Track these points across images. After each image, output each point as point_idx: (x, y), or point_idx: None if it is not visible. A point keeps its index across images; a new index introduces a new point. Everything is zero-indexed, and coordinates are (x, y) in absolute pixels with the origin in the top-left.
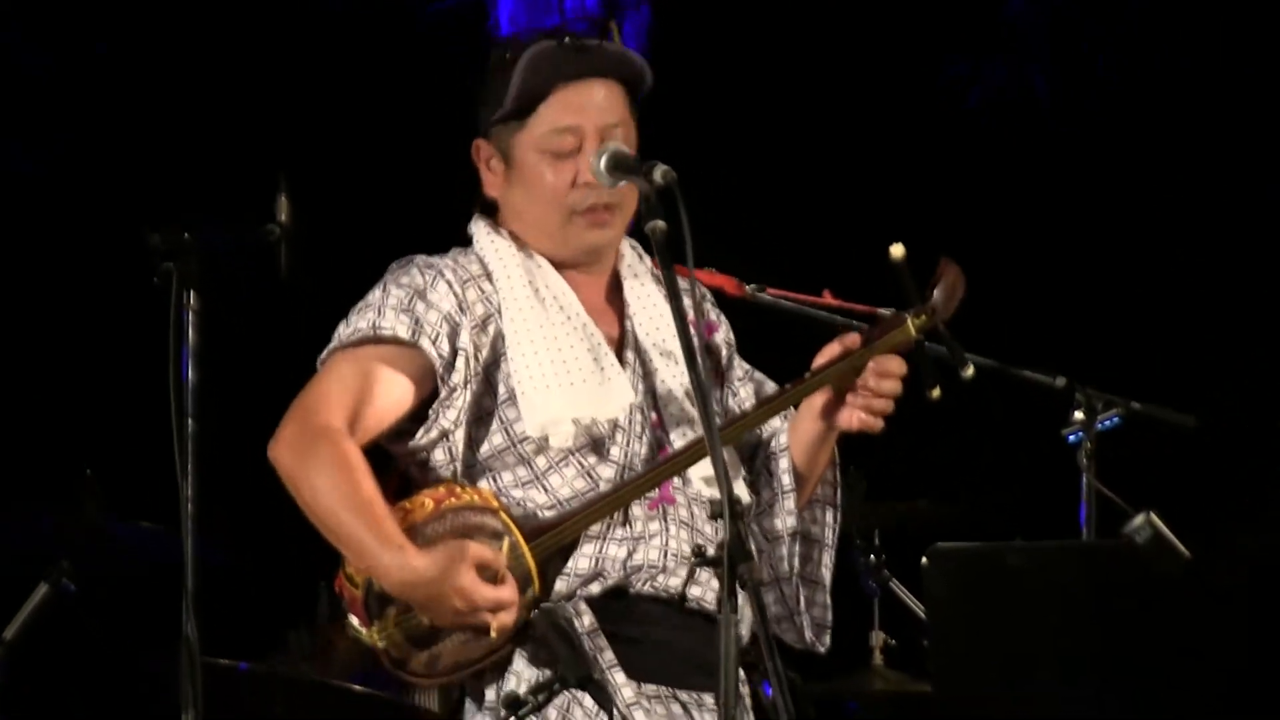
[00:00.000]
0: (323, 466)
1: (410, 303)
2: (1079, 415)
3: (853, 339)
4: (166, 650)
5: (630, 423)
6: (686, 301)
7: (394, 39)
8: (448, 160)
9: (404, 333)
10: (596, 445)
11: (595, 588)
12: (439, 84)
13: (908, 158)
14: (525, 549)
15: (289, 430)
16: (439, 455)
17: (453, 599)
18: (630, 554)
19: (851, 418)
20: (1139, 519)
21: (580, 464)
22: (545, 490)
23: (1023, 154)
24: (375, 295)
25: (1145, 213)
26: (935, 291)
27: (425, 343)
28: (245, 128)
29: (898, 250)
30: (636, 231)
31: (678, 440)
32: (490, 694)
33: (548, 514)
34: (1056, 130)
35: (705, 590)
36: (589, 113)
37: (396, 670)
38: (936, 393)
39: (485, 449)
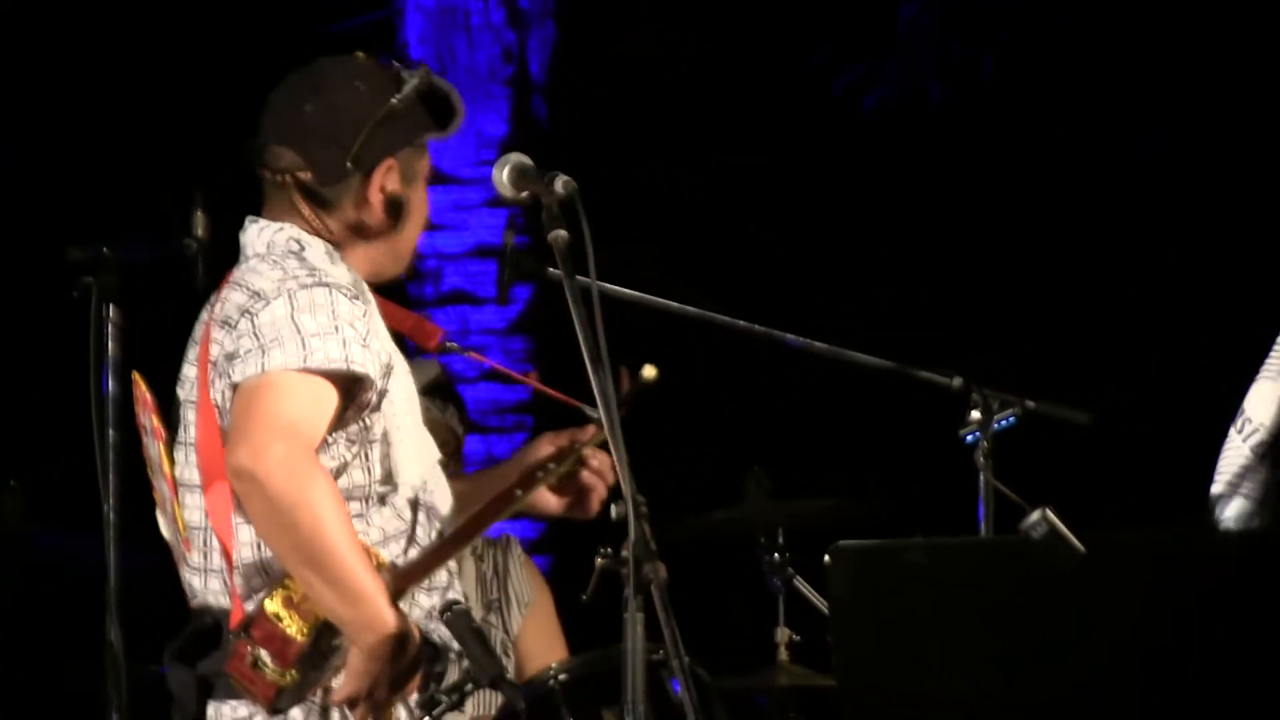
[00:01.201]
0: (327, 501)
1: (366, 338)
2: (975, 415)
3: (560, 440)
4: (91, 655)
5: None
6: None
7: (302, 58)
8: None
9: (372, 373)
10: (414, 491)
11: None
12: None
13: (805, 161)
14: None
15: (280, 450)
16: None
17: (397, 676)
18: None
19: (593, 507)
20: (1035, 515)
21: (395, 508)
22: (373, 527)
23: (917, 157)
24: (325, 317)
25: (1037, 213)
26: (623, 405)
27: (374, 377)
28: (162, 147)
29: (650, 372)
30: (539, 240)
31: (439, 487)
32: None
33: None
34: (949, 133)
35: None
36: None
37: (270, 702)
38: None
39: (345, 483)
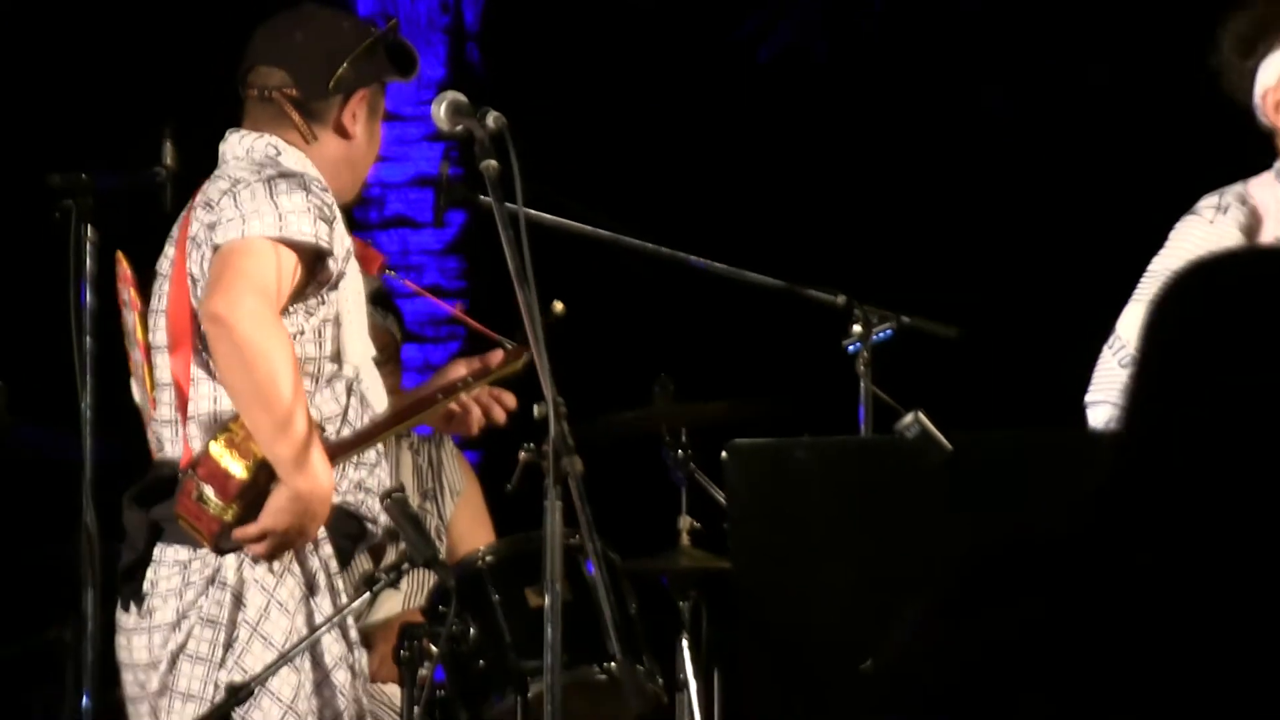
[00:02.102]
0: (284, 353)
1: (332, 223)
2: (857, 329)
3: (470, 364)
4: (68, 535)
5: (368, 361)
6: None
7: (262, 6)
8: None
9: (326, 244)
10: (352, 377)
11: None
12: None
13: (711, 105)
14: None
15: (250, 302)
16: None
17: (308, 526)
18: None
19: (470, 427)
20: (909, 417)
21: (333, 389)
22: (313, 405)
23: (807, 103)
24: (300, 199)
25: (917, 152)
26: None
27: (336, 256)
28: (134, 84)
29: (559, 307)
30: (472, 170)
31: (372, 380)
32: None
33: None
34: (834, 83)
35: None
36: None
37: (214, 536)
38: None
39: (299, 352)
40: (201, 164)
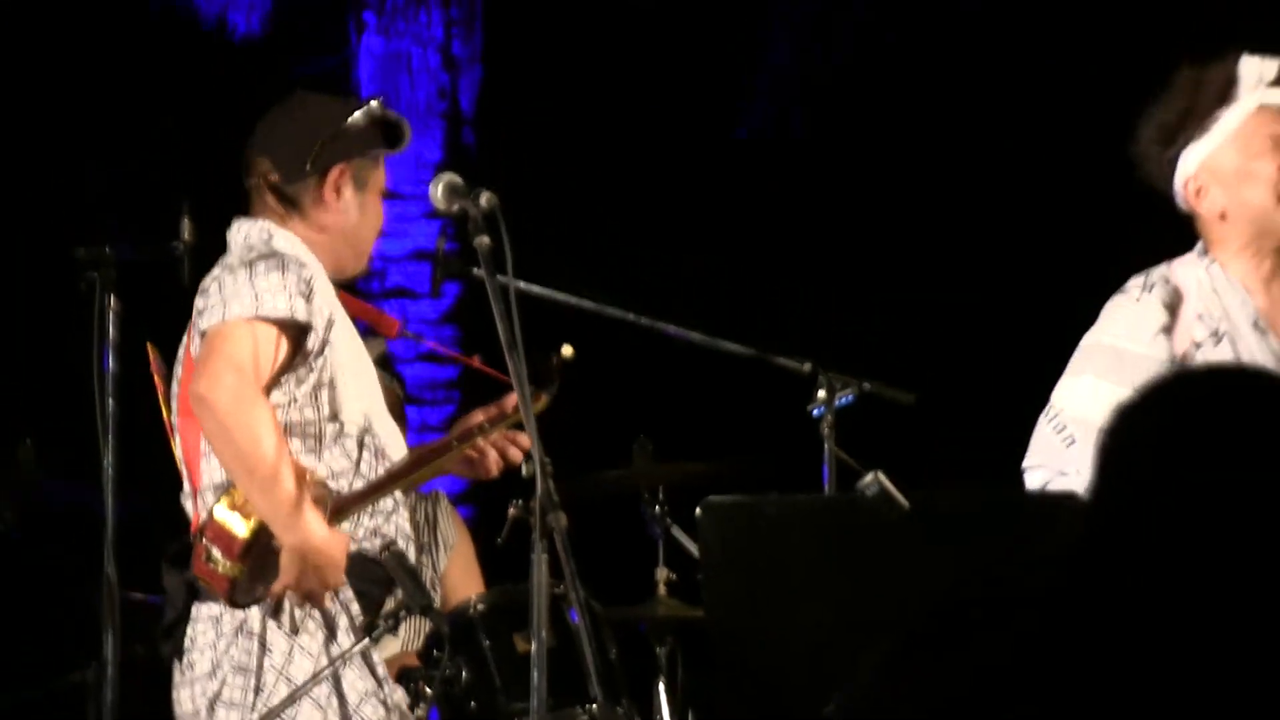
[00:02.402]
0: (265, 423)
1: (309, 296)
2: (821, 394)
3: (490, 411)
4: (90, 584)
5: (380, 415)
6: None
7: (271, 96)
8: None
9: (304, 318)
10: (361, 435)
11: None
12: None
13: (688, 182)
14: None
15: (229, 379)
16: (276, 414)
17: (320, 577)
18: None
19: (489, 469)
20: (869, 477)
21: (344, 447)
22: (322, 462)
23: (775, 189)
24: (277, 278)
25: (875, 228)
26: (556, 380)
27: (317, 328)
28: (155, 166)
29: (568, 350)
30: (467, 246)
31: (386, 434)
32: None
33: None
34: (809, 158)
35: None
36: None
37: (229, 595)
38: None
39: (297, 416)
40: (218, 239)
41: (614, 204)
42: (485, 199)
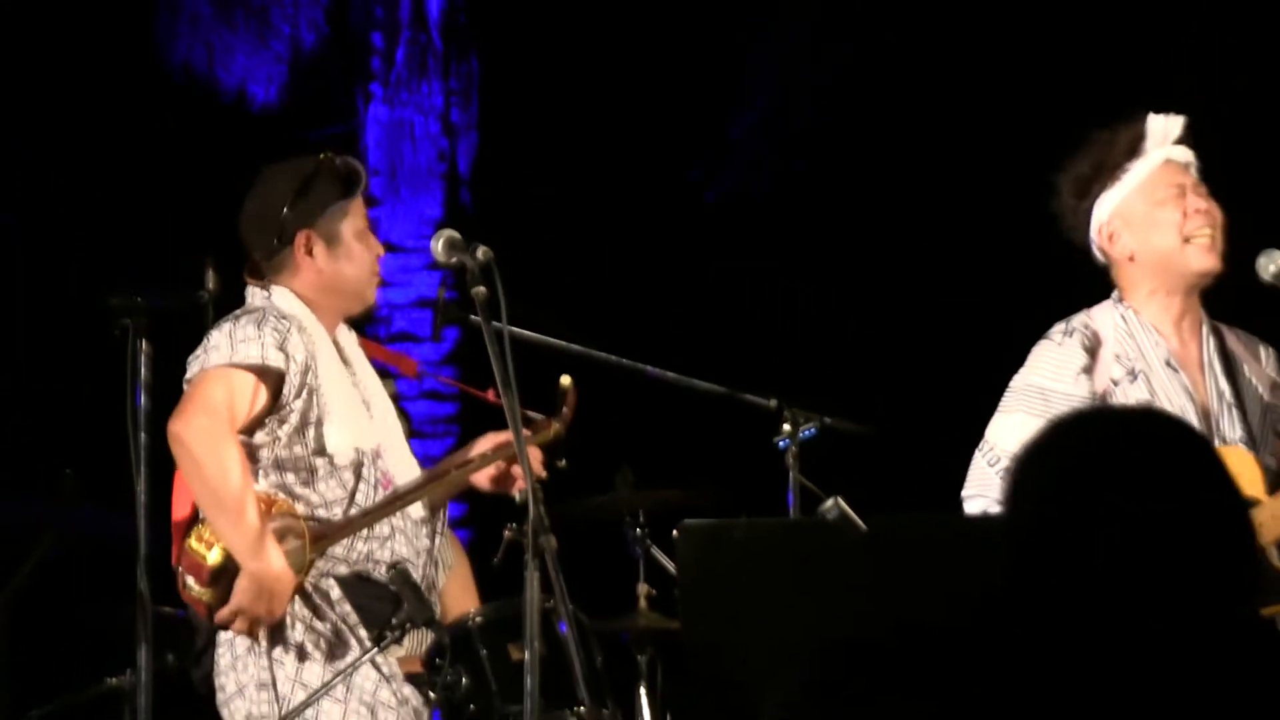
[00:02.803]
0: (233, 460)
1: (281, 343)
2: (786, 427)
3: (507, 436)
4: (125, 599)
5: (378, 450)
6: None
7: (286, 157)
8: None
9: (277, 364)
10: (356, 467)
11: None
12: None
13: (664, 238)
14: (308, 545)
15: (201, 420)
16: (264, 452)
17: (268, 605)
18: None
19: (490, 484)
20: (829, 502)
21: (340, 478)
22: (316, 492)
23: (743, 242)
24: (253, 331)
25: (838, 277)
26: (566, 408)
27: (291, 373)
28: (181, 222)
29: (566, 380)
30: (465, 295)
31: (396, 465)
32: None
33: (319, 513)
34: (771, 219)
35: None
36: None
37: (206, 617)
38: (563, 464)
39: (286, 453)
40: (239, 288)
41: (598, 258)
42: (481, 253)
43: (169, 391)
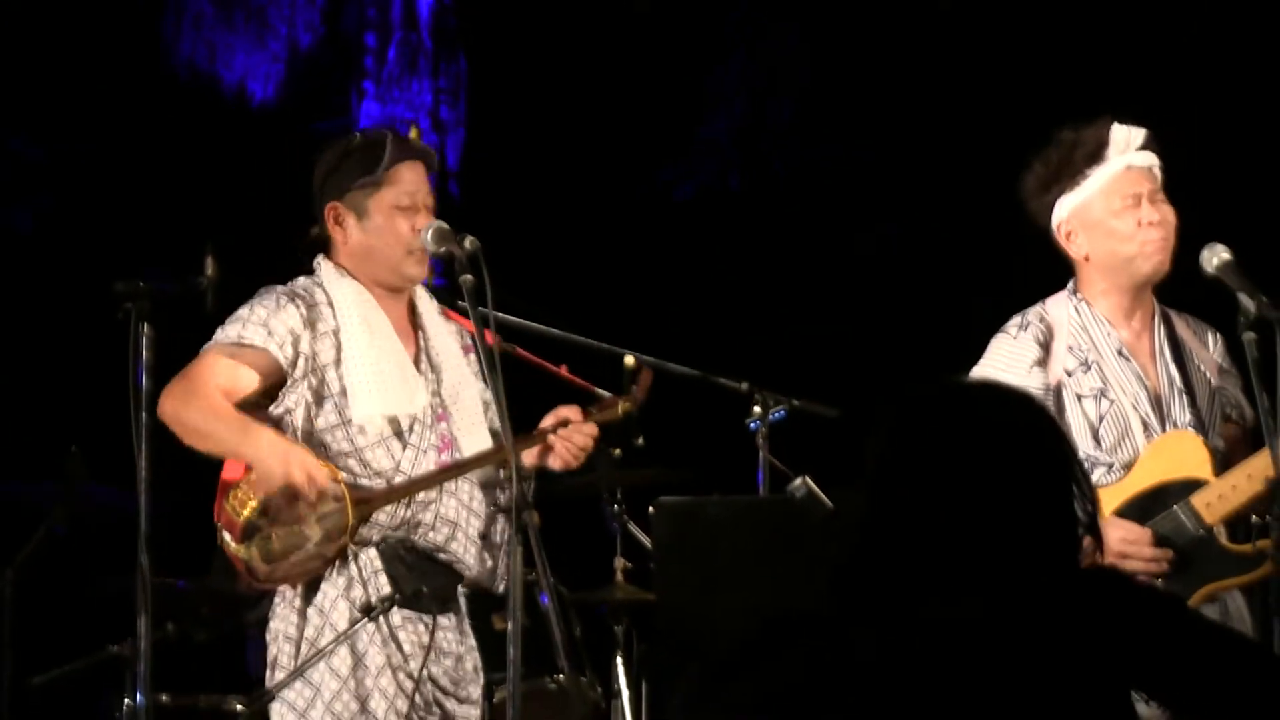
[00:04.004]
0: (195, 408)
1: (266, 319)
2: (757, 409)
3: (575, 409)
4: (127, 571)
5: (424, 416)
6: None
7: (282, 154)
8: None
9: (259, 341)
10: (399, 434)
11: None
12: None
13: (643, 232)
14: (350, 508)
15: (175, 388)
16: (283, 425)
17: (297, 469)
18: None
19: (558, 462)
20: (797, 481)
21: (387, 447)
22: (362, 463)
23: (717, 233)
24: (243, 311)
25: (804, 267)
26: (636, 389)
27: (273, 348)
28: (184, 210)
29: (630, 360)
30: (454, 281)
31: (461, 430)
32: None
33: (362, 481)
34: (742, 213)
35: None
36: (420, 184)
37: (249, 576)
38: (640, 441)
39: (321, 424)
40: (237, 274)
41: (579, 249)
42: (469, 243)
43: (170, 372)
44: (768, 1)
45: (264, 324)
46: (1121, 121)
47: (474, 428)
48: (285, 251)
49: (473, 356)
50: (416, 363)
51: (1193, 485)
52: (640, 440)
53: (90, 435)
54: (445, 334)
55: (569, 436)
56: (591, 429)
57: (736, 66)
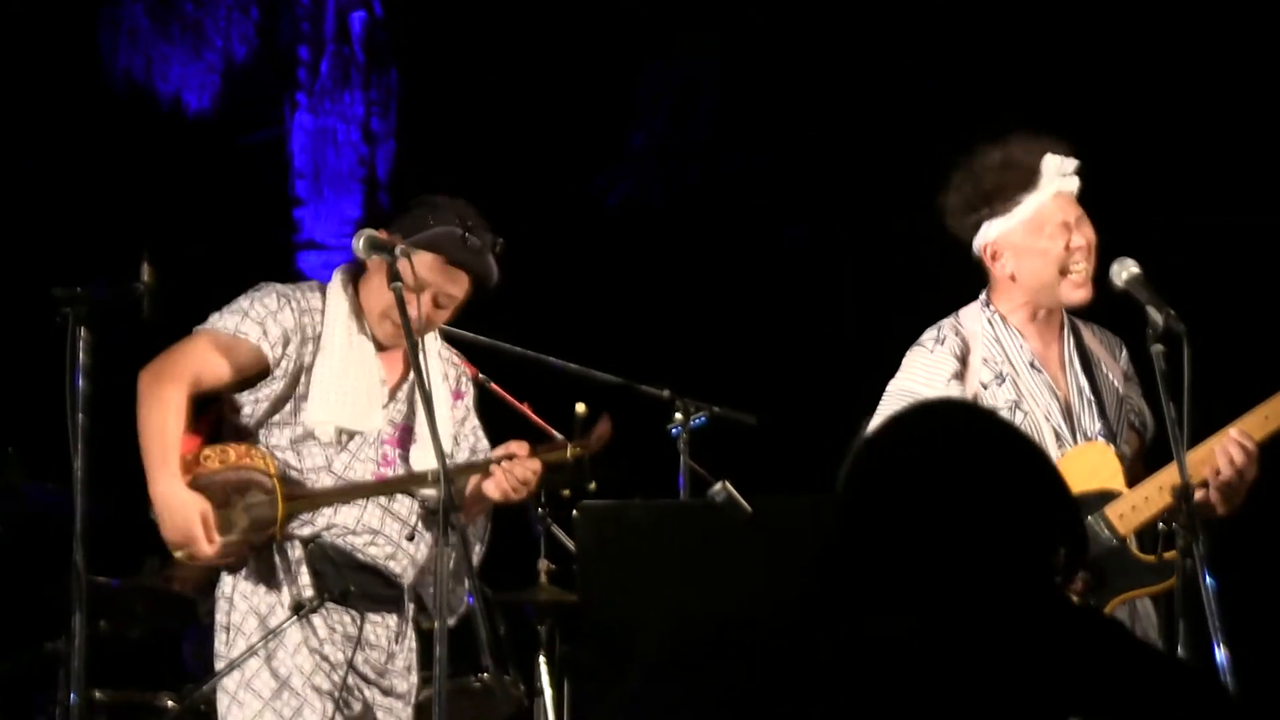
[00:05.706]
0: (158, 403)
1: (263, 317)
2: (678, 416)
3: (523, 445)
4: (62, 570)
5: (369, 438)
6: (430, 365)
7: (217, 164)
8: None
9: (254, 338)
10: (340, 443)
11: (325, 537)
12: (248, 193)
13: (571, 239)
14: (280, 504)
15: (156, 365)
16: (246, 410)
17: (178, 530)
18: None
19: (497, 492)
20: (717, 486)
21: (324, 452)
22: (298, 457)
23: (642, 243)
24: (244, 304)
25: (725, 277)
26: (592, 437)
27: (265, 346)
28: (119, 218)
29: (581, 408)
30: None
31: (415, 462)
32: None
33: (293, 475)
34: (668, 221)
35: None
36: (457, 281)
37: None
38: (592, 486)
39: (276, 417)
40: (173, 281)
41: (506, 257)
42: (399, 251)
43: (106, 375)
44: (686, 13)
45: (261, 322)
46: (1033, 132)
47: (428, 462)
48: (220, 258)
49: (461, 403)
50: (394, 390)
51: (1106, 496)
52: (593, 485)
53: (27, 436)
54: (438, 378)
55: (511, 469)
56: (534, 464)
57: (655, 77)
